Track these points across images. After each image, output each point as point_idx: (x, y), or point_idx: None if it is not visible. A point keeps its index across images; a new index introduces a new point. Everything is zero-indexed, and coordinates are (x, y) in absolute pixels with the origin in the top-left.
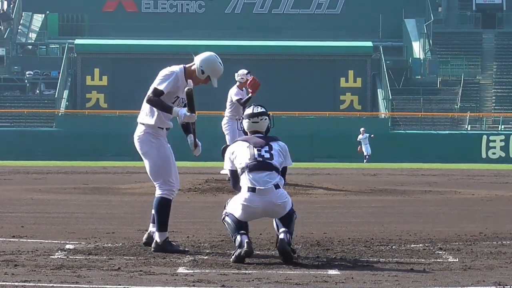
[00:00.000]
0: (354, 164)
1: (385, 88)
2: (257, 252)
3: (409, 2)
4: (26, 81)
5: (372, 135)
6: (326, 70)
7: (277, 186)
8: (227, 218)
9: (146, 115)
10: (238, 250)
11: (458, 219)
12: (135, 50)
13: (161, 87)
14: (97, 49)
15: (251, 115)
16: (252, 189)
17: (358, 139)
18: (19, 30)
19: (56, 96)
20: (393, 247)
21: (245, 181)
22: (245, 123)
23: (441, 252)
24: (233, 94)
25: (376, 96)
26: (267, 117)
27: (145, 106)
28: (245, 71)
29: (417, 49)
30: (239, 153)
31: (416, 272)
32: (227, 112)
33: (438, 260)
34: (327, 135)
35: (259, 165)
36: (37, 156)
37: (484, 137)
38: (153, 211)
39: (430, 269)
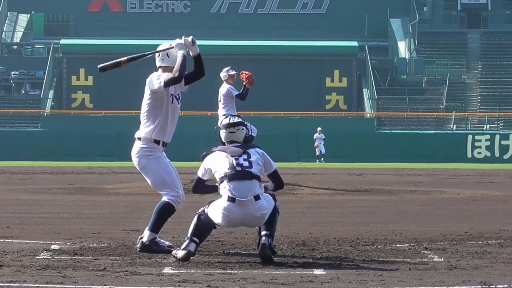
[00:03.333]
0: (340, 164)
1: (370, 88)
2: (242, 252)
3: (394, 2)
4: (11, 81)
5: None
6: (312, 70)
7: (257, 197)
8: (201, 217)
9: (144, 128)
10: (179, 253)
11: (443, 219)
12: (121, 50)
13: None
14: (83, 49)
15: (228, 125)
16: (231, 199)
17: (314, 137)
18: (4, 30)
19: (41, 96)
20: (379, 246)
21: (225, 190)
22: (222, 133)
23: (426, 251)
24: (226, 91)
25: (362, 96)
26: (244, 127)
27: (143, 120)
28: (227, 68)
29: (403, 48)
30: (217, 164)
31: (401, 272)
32: (221, 111)
33: (423, 259)
34: (312, 135)
35: (238, 175)
36: (23, 156)
37: (470, 136)
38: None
39: (416, 269)
